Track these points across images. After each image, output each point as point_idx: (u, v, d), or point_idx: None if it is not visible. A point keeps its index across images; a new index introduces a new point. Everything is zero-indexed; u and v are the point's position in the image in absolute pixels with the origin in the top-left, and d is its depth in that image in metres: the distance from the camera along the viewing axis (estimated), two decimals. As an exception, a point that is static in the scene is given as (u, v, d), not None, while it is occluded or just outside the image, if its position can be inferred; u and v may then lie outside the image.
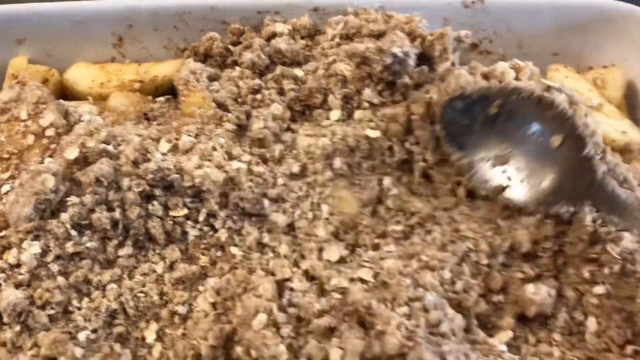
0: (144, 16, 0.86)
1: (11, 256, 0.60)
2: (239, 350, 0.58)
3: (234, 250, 0.66)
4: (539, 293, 0.62)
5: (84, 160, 0.65)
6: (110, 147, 0.66)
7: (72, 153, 0.65)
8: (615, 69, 0.86)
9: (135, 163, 0.65)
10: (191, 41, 0.87)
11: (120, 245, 0.64)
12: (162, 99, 0.83)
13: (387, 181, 0.72)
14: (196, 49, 0.85)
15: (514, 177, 0.67)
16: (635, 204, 0.63)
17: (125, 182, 0.63)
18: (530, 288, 0.62)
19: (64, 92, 0.86)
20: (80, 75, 0.85)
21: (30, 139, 0.68)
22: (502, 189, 0.67)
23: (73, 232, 0.62)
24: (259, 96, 0.75)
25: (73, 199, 0.62)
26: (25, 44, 0.87)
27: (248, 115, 0.74)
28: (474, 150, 0.69)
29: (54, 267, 0.61)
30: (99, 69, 0.87)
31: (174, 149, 0.69)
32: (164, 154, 0.67)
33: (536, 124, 0.67)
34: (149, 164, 0.63)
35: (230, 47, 0.84)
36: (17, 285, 0.59)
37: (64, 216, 0.61)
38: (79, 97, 0.84)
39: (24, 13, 0.85)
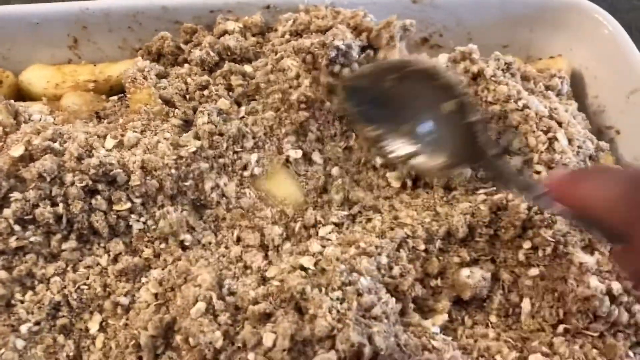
0: (98, 17, 0.87)
1: (-45, 252, 0.61)
2: (178, 338, 0.59)
3: (177, 242, 0.67)
4: (474, 277, 0.63)
5: (29, 158, 0.66)
6: (55, 145, 0.67)
7: (17, 150, 0.66)
8: (561, 59, 0.88)
9: (80, 159, 0.66)
10: (146, 41, 0.88)
11: (65, 239, 0.65)
12: (114, 98, 0.84)
13: (335, 171, 0.74)
14: (149, 48, 0.87)
15: (419, 145, 0.69)
16: (507, 170, 0.66)
17: (68, 177, 0.65)
18: (464, 272, 0.64)
19: (20, 94, 0.87)
20: (35, 77, 0.86)
21: (-22, 141, 0.70)
22: (409, 156, 0.69)
23: (16, 227, 0.63)
24: (206, 92, 0.77)
25: (16, 194, 0.63)
26: (-20, 47, 0.88)
27: (195, 111, 0.75)
28: (382, 124, 0.71)
29: (-6, 263, 0.62)
30: (54, 70, 0.88)
31: (119, 145, 0.70)
32: (108, 150, 0.69)
33: (428, 93, 0.70)
34: (92, 159, 0.65)
35: (182, 45, 0.85)
36: (-40, 281, 0.61)
37: (7, 212, 0.63)
38: (34, 98, 0.85)
39: (-21, 15, 0.86)
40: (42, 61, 0.89)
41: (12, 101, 0.76)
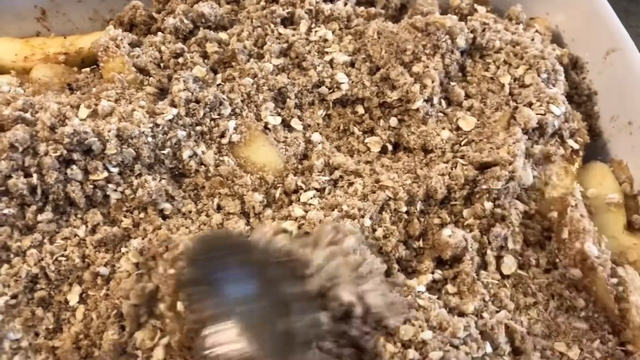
0: (67, -13, 0.84)
1: None
2: (162, 307, 0.58)
3: (157, 211, 0.66)
4: (455, 236, 0.63)
5: (0, 129, 0.64)
6: (27, 115, 0.65)
7: (-15, 121, 0.64)
8: (540, 20, 0.87)
9: (53, 129, 0.64)
10: (117, 12, 0.86)
11: (40, 210, 0.63)
12: (87, 69, 0.82)
13: (315, 137, 0.73)
14: (121, 18, 0.84)
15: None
16: None
17: (42, 147, 0.63)
18: (446, 232, 0.64)
19: (-12, 68, 0.84)
20: (3, 50, 0.83)
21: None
22: None
23: (-13, 199, 0.61)
24: (181, 60, 0.75)
25: (-15, 164, 0.61)
26: (-54, 20, 0.85)
27: (170, 79, 0.74)
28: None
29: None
30: (22, 43, 0.85)
31: (94, 114, 0.68)
32: (82, 120, 0.67)
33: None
34: (66, 128, 0.63)
35: (155, 14, 0.83)
36: None
37: (-24, 184, 0.61)
38: (2, 71, 0.83)
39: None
40: (9, 34, 0.87)
41: (-20, 74, 0.74)
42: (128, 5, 0.84)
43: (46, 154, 0.63)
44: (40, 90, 0.75)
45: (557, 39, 0.88)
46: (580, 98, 0.83)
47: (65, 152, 0.63)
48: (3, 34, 0.86)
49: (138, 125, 0.66)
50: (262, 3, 0.82)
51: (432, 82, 0.73)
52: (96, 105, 0.69)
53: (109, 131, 0.65)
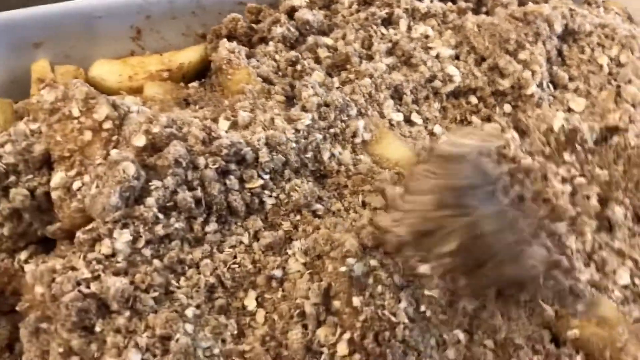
0: (162, 5, 0.86)
1: (105, 247, 0.60)
2: (337, 304, 0.61)
3: (310, 212, 0.68)
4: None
5: (151, 147, 0.66)
6: (174, 131, 0.67)
7: (139, 140, 0.65)
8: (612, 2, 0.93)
9: (204, 142, 0.66)
10: (209, 26, 0.88)
11: (205, 222, 0.65)
12: (195, 84, 0.84)
13: (437, 129, 0.76)
14: (218, 32, 0.86)
15: None
16: None
17: (201, 160, 0.65)
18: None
19: (90, 91, 0.85)
20: (107, 71, 0.85)
21: (88, 135, 0.68)
22: None
23: (160, 215, 0.63)
24: (298, 67, 0.78)
25: (156, 182, 0.63)
26: (43, 47, 0.85)
27: (291, 86, 0.76)
28: None
29: (147, 252, 0.61)
30: (121, 63, 0.86)
31: (234, 125, 0.70)
32: (226, 131, 0.69)
33: None
34: (221, 140, 0.65)
35: (254, 25, 0.85)
36: (116, 274, 0.60)
37: (150, 200, 0.62)
38: (108, 92, 0.83)
39: (39, 15, 0.83)
40: (104, 56, 0.88)
41: (107, 95, 0.75)
42: (227, 18, 0.85)
43: (206, 166, 0.65)
44: (164, 108, 0.76)
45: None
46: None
47: (223, 163, 0.65)
48: (98, 56, 0.87)
49: (283, 132, 0.68)
50: (355, 6, 0.85)
51: (540, 67, 0.77)
52: (234, 116, 0.71)
53: (259, 140, 0.67)
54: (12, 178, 0.68)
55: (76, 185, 0.66)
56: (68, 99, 0.71)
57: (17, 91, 0.85)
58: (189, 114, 0.72)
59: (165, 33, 0.89)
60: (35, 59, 0.85)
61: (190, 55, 0.87)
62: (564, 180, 0.71)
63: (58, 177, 0.67)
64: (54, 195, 0.67)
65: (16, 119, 0.83)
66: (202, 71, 0.88)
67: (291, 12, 0.86)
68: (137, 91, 0.83)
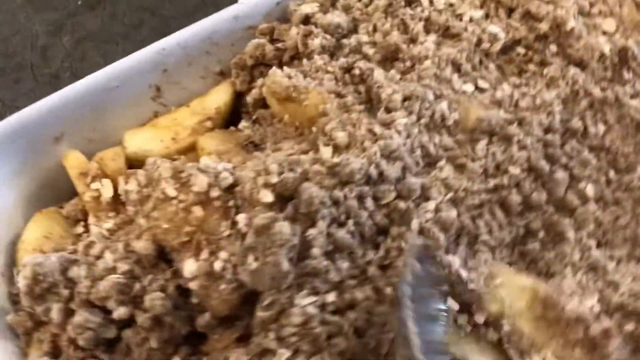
0: (176, 54, 0.79)
1: (295, 317, 0.56)
2: None
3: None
4: None
5: (280, 198, 0.61)
6: (293, 174, 0.62)
7: (266, 196, 0.60)
8: None
9: (329, 175, 0.62)
10: (225, 62, 0.83)
11: (364, 253, 0.62)
12: (245, 123, 0.79)
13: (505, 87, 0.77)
14: (241, 63, 0.81)
15: None
16: None
17: (339, 193, 0.61)
18: None
19: (132, 166, 0.77)
20: (145, 142, 0.77)
21: (199, 210, 0.62)
22: None
23: (326, 262, 0.59)
24: (355, 71, 0.75)
25: (312, 231, 0.59)
26: (63, 138, 0.76)
27: (358, 92, 0.74)
28: None
29: (332, 301, 0.58)
30: (152, 128, 0.79)
31: (336, 149, 0.67)
32: (332, 157, 0.66)
33: None
34: (352, 165, 0.62)
35: (279, 45, 0.81)
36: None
37: (315, 251, 0.58)
38: (161, 161, 0.76)
39: (53, 106, 0.73)
40: (127, 125, 0.80)
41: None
42: (249, 47, 0.80)
43: (346, 198, 0.61)
44: (246, 159, 0.70)
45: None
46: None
47: (358, 189, 0.62)
48: (120, 128, 0.79)
49: (390, 139, 0.66)
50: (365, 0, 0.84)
51: (567, 1, 0.80)
52: (331, 140, 0.67)
53: (375, 154, 0.65)
54: (137, 286, 0.61)
55: (217, 266, 0.60)
56: (154, 181, 0.64)
57: (50, 195, 0.76)
58: (284, 152, 0.68)
59: (185, 82, 0.82)
60: (60, 154, 0.76)
61: (221, 97, 0.81)
62: (632, 97, 0.76)
63: (190, 265, 0.61)
64: (194, 285, 0.61)
65: (70, 226, 0.74)
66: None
67: (304, 21, 0.83)
68: (186, 152, 0.77)
